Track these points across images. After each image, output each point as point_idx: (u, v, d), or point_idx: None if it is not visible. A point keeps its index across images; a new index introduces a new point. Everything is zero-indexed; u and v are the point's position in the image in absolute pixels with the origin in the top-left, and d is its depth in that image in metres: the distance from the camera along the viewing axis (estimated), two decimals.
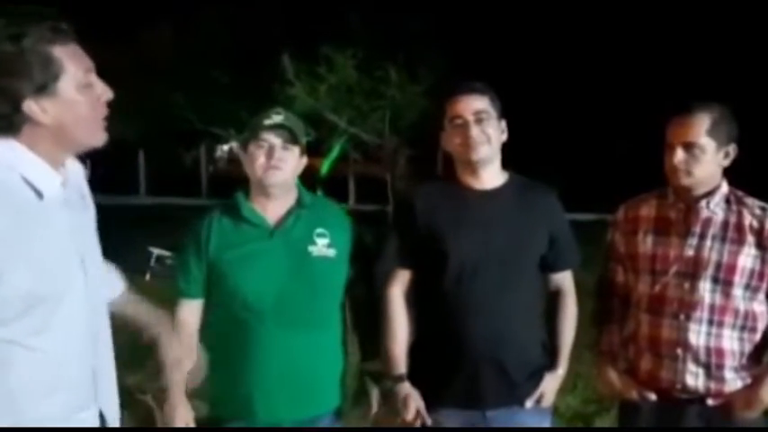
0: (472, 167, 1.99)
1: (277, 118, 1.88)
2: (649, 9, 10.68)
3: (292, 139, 1.90)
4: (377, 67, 7.59)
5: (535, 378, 2.02)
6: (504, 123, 2.01)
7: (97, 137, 1.35)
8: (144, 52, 11.43)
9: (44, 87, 1.24)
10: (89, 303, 1.36)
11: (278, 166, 1.87)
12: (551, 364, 2.06)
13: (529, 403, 1.99)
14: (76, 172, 1.44)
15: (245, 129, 1.97)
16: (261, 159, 1.87)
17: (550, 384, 2.04)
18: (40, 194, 1.27)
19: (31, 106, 1.24)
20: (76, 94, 1.28)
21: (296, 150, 1.92)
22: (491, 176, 2.01)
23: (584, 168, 11.47)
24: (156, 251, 7.57)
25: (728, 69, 9.87)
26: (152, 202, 17.28)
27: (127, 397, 3.94)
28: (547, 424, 2.09)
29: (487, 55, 9.06)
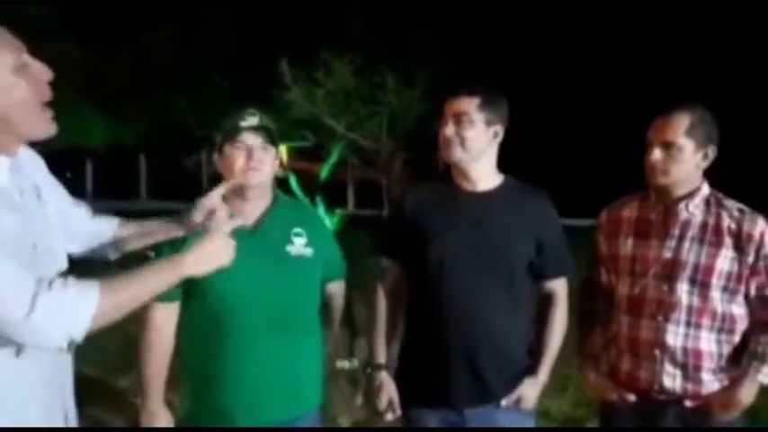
0: (457, 168, 2.01)
1: (253, 119, 1.87)
2: (648, 14, 10.72)
3: (270, 140, 1.90)
4: (374, 73, 7.62)
5: (513, 382, 2.01)
6: (498, 128, 1.99)
7: (43, 125, 1.27)
8: (144, 57, 11.49)
9: None
10: None
11: (258, 168, 1.86)
12: (534, 369, 2.05)
13: (504, 402, 1.98)
14: (31, 162, 1.38)
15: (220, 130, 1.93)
16: (240, 161, 1.86)
17: (528, 389, 2.01)
18: None
19: None
20: (12, 78, 1.21)
21: (273, 151, 1.92)
22: (482, 178, 2.01)
23: (580, 173, 11.49)
24: (153, 255, 7.55)
25: (727, 80, 9.90)
26: (153, 207, 17.34)
27: (119, 400, 4.00)
28: (529, 424, 2.09)
29: (485, 60, 9.11)
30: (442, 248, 1.97)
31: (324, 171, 8.59)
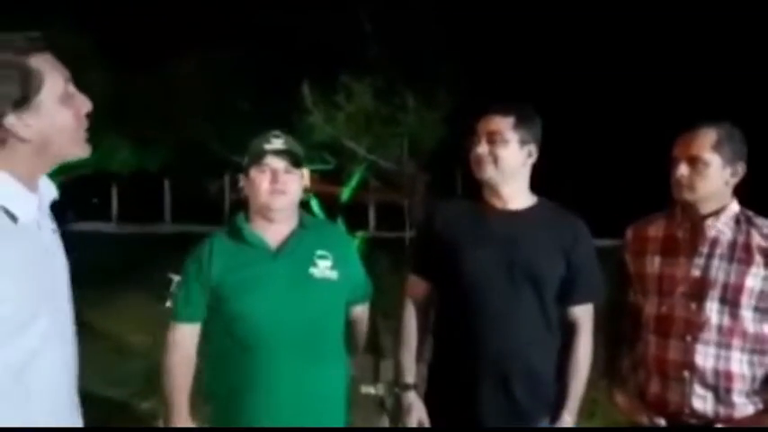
0: (487, 186, 1.99)
1: (278, 142, 1.89)
2: (674, 31, 10.66)
3: (294, 162, 1.91)
4: (394, 95, 7.69)
5: (544, 402, 1.97)
6: (532, 147, 1.97)
7: (81, 147, 1.30)
8: (169, 83, 11.71)
9: (25, 101, 1.19)
10: (60, 328, 1.30)
11: (283, 191, 1.88)
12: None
13: None
14: (49, 194, 1.37)
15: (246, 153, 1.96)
16: (264, 184, 1.87)
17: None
18: (14, 218, 1.21)
19: (11, 122, 1.19)
20: (58, 106, 1.24)
21: (298, 174, 1.93)
22: (514, 198, 1.99)
23: (606, 192, 11.37)
24: (176, 277, 7.60)
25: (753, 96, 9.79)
26: (177, 230, 17.52)
27: (139, 423, 4.02)
28: None
29: (508, 81, 9.12)
30: (472, 266, 1.94)
31: (345, 193, 8.62)
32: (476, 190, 2.06)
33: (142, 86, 11.61)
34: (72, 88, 1.27)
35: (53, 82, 1.23)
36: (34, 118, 1.20)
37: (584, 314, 2.03)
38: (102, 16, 11.68)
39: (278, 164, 1.89)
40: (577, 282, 1.99)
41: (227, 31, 10.80)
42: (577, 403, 1.99)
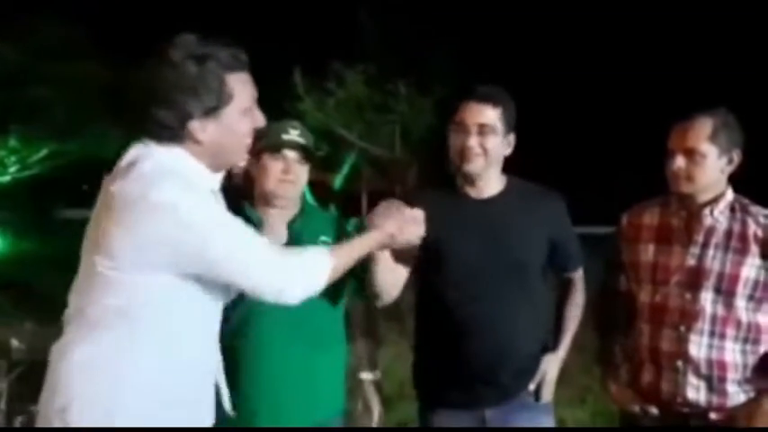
0: (466, 176, 1.99)
1: (294, 133, 1.94)
2: (669, 19, 10.67)
3: (307, 155, 1.95)
4: (386, 82, 7.66)
5: (528, 381, 2.02)
6: (512, 137, 1.99)
7: (240, 159, 1.53)
8: None
9: (212, 110, 1.36)
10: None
11: (293, 181, 1.93)
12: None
13: (532, 386, 2.01)
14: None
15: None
16: (276, 173, 1.91)
17: (551, 364, 2.04)
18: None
19: (194, 126, 1.36)
20: (238, 119, 1.42)
21: (307, 165, 1.98)
22: (488, 185, 2.01)
23: (600, 179, 11.42)
24: None
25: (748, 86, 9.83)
26: None
27: None
28: (549, 422, 2.08)
29: (500, 68, 9.09)
30: (458, 257, 1.96)
31: (337, 181, 8.61)
32: (450, 178, 2.05)
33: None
34: (253, 105, 1.46)
35: (241, 97, 1.41)
36: (213, 125, 1.38)
37: (577, 274, 2.16)
38: (99, 7, 11.61)
39: (292, 155, 1.93)
40: (568, 254, 2.09)
41: (220, 19, 10.70)
42: (569, 344, 2.12)
